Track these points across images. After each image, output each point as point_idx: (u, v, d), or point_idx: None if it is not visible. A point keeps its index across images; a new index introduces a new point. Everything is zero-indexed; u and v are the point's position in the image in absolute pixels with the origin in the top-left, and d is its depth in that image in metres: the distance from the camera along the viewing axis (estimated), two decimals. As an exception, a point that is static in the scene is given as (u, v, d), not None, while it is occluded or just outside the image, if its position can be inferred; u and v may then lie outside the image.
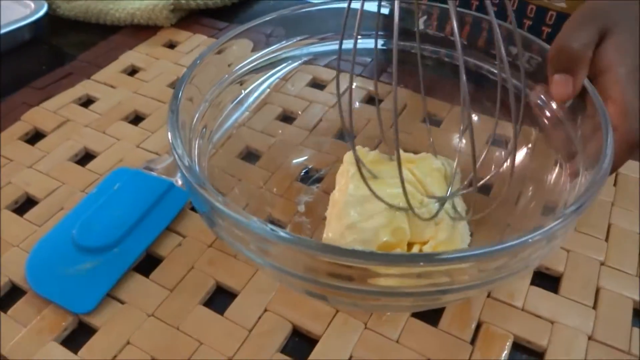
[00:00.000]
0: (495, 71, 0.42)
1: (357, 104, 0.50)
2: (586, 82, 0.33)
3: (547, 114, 0.39)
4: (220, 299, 0.36)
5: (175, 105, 0.33)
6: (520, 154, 0.42)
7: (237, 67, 0.42)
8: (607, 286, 0.36)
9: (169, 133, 0.31)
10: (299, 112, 0.48)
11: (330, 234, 0.36)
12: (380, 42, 0.47)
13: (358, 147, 0.39)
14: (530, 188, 0.39)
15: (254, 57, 0.44)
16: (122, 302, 0.36)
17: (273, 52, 0.45)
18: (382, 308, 0.35)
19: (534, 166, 0.40)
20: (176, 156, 0.30)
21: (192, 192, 0.30)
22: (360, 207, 0.35)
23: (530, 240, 0.25)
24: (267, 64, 0.45)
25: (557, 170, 0.36)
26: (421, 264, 0.25)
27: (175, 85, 0.35)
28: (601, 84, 0.33)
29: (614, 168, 0.32)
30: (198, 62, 0.37)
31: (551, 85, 0.34)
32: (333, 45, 0.46)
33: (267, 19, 0.42)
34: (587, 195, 0.27)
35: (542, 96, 0.37)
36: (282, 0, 0.70)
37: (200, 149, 0.38)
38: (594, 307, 0.35)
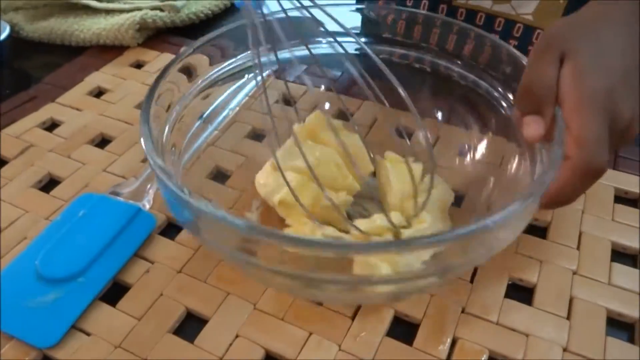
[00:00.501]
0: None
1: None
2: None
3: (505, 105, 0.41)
4: (190, 325, 0.35)
5: (146, 115, 0.34)
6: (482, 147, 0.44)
7: (199, 81, 0.42)
8: (580, 295, 0.36)
9: (144, 144, 0.32)
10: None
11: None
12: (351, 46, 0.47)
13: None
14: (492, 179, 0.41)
15: (215, 69, 0.44)
16: (87, 334, 0.34)
17: (232, 63, 0.45)
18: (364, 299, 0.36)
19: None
20: (154, 165, 0.30)
21: (174, 201, 0.30)
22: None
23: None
24: (228, 75, 0.45)
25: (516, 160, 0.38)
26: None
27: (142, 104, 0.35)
28: (563, 111, 0.32)
29: (567, 197, 0.32)
30: (162, 79, 0.37)
31: (522, 126, 0.34)
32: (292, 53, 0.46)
33: (221, 31, 0.44)
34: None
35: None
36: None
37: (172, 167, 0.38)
38: (568, 318, 0.35)
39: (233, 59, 0.45)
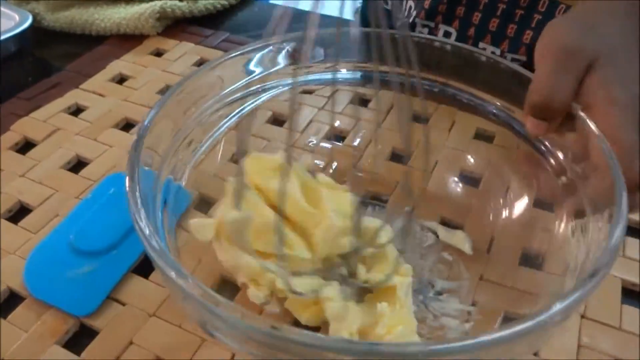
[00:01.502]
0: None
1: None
2: (585, 119, 0.32)
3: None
4: (225, 293, 0.36)
5: (136, 159, 0.31)
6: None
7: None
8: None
9: (131, 206, 0.29)
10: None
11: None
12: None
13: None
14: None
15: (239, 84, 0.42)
16: (122, 304, 0.36)
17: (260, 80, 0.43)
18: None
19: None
20: (148, 248, 0.27)
21: (177, 291, 0.26)
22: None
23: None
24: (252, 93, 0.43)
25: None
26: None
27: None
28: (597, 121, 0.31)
29: None
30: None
31: (526, 119, 0.34)
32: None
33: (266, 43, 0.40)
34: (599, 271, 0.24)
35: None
36: (265, 8, 0.71)
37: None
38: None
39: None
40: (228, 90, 0.41)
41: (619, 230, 0.26)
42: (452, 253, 0.39)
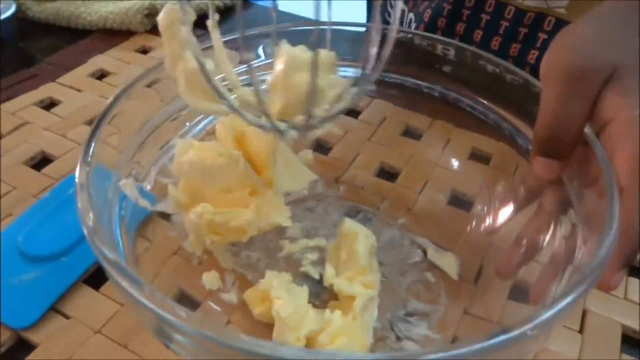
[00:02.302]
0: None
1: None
2: (587, 132, 0.29)
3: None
4: (185, 305, 0.33)
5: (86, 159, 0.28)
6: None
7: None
8: (593, 309, 0.34)
9: (80, 207, 0.26)
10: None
11: None
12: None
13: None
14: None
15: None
16: (67, 317, 0.32)
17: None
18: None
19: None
20: (100, 255, 0.24)
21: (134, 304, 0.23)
22: None
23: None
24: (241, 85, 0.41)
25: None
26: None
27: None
28: (605, 136, 0.28)
29: (632, 239, 0.26)
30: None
31: (534, 162, 0.30)
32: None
33: (249, 33, 0.39)
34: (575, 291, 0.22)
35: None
36: (259, 10, 0.68)
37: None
38: (580, 332, 0.33)
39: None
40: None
41: (609, 241, 0.24)
42: (436, 275, 0.35)
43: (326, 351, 0.28)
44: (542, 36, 0.52)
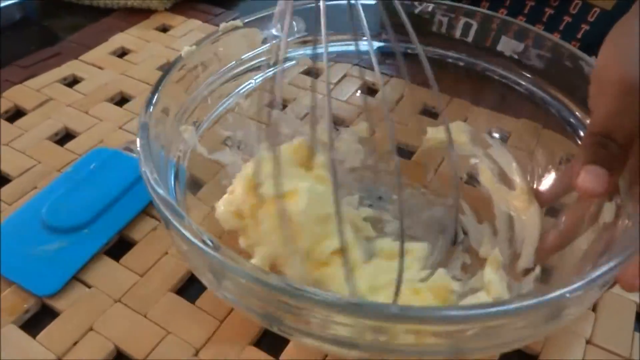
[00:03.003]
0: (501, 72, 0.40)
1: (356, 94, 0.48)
2: None
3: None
4: (193, 287, 0.34)
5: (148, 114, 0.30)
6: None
7: (232, 64, 0.39)
8: (608, 288, 0.34)
9: (142, 156, 0.28)
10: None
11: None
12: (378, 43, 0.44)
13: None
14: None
15: (252, 54, 0.41)
16: (88, 286, 0.33)
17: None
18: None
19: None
20: (157, 199, 0.26)
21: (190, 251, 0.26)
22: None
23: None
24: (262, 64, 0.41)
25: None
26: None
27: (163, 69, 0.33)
28: None
29: None
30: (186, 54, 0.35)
31: (580, 174, 0.27)
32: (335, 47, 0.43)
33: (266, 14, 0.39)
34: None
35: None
36: None
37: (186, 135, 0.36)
38: (594, 310, 0.33)
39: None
40: (228, 66, 0.39)
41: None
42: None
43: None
44: (567, 19, 0.51)
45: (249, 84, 0.41)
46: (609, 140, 0.27)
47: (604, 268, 0.23)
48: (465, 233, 0.37)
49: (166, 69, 0.34)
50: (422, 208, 0.39)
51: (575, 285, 0.22)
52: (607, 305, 0.33)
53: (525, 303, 0.21)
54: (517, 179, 0.38)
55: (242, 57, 0.40)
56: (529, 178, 0.38)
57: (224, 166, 0.38)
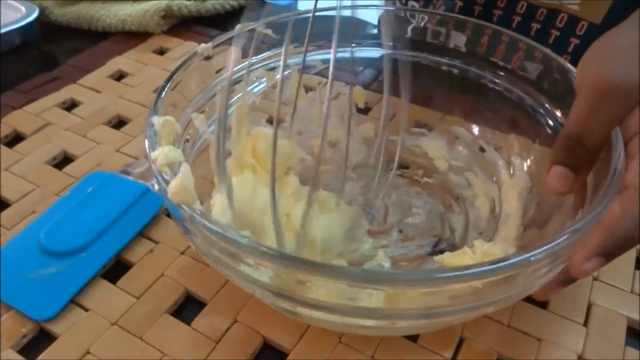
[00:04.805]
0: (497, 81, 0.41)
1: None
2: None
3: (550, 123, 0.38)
4: (188, 308, 0.35)
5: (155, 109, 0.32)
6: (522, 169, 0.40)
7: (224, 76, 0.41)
8: (599, 302, 0.34)
9: (146, 140, 0.30)
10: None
11: None
12: (374, 51, 0.46)
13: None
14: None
15: (243, 65, 0.43)
16: (85, 309, 0.34)
17: (263, 60, 0.44)
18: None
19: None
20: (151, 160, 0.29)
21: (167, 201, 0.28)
22: None
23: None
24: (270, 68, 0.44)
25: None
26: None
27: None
28: (630, 146, 0.28)
29: (616, 236, 0.27)
30: (183, 66, 0.36)
31: (548, 173, 0.29)
32: (325, 55, 0.45)
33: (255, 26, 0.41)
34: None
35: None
36: (275, 9, 0.69)
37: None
38: (585, 325, 0.33)
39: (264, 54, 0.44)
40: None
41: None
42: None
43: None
44: (555, 33, 0.52)
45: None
46: (578, 145, 0.28)
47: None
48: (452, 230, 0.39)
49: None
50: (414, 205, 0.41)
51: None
52: (598, 320, 0.33)
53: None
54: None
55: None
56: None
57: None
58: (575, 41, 0.52)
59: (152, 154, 0.30)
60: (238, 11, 0.67)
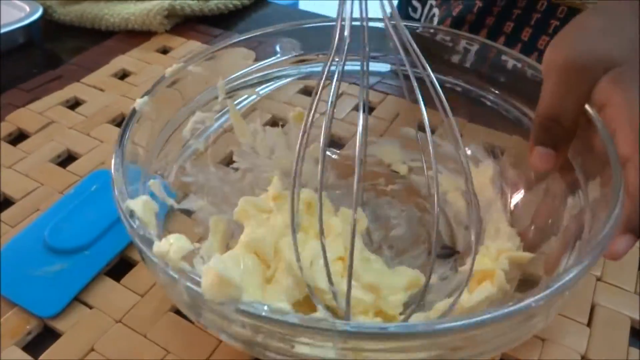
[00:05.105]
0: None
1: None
2: (591, 112, 0.29)
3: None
4: None
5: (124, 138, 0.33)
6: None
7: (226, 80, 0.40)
8: (603, 303, 0.34)
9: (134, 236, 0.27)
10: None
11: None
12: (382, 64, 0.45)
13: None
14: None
15: (245, 71, 0.42)
16: (89, 307, 0.34)
17: (264, 69, 0.43)
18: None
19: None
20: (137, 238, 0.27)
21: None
22: None
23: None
24: (257, 81, 0.43)
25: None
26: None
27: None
28: (605, 117, 0.29)
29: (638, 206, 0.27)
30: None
31: (531, 154, 0.30)
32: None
33: (265, 31, 0.41)
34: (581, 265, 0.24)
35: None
36: (278, 9, 0.69)
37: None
38: (589, 325, 0.33)
39: (266, 62, 0.43)
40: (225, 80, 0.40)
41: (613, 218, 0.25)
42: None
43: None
44: (554, 23, 0.52)
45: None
46: (554, 123, 0.29)
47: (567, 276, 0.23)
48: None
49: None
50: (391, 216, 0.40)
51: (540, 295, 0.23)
52: (602, 321, 0.33)
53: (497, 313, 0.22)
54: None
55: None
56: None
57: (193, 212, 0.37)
58: (555, 22, 0.53)
59: (156, 249, 0.26)
60: (241, 10, 0.67)
